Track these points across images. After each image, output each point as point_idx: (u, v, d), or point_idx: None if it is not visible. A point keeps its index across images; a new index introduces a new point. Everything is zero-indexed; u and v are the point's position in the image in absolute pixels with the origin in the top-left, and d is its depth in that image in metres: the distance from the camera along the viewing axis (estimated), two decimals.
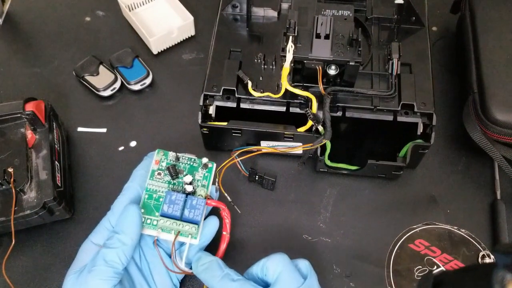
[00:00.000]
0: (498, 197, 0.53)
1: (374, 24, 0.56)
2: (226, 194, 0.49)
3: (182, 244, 0.46)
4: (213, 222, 0.46)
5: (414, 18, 0.55)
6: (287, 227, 0.52)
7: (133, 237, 0.41)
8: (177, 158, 0.47)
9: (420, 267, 0.48)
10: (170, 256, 0.46)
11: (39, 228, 0.50)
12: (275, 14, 0.57)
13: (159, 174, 0.46)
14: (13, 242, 0.45)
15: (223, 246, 0.46)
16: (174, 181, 0.46)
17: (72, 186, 0.53)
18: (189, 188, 0.45)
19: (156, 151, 0.47)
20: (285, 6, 0.57)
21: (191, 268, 0.44)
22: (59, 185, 0.49)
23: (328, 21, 0.47)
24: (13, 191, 0.45)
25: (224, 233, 0.46)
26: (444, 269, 0.48)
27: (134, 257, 0.44)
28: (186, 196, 0.44)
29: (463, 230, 0.50)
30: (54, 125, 0.52)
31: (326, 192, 0.54)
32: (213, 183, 0.47)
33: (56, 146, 0.51)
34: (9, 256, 0.45)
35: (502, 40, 0.53)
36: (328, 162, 0.52)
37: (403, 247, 0.49)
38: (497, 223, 0.51)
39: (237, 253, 0.50)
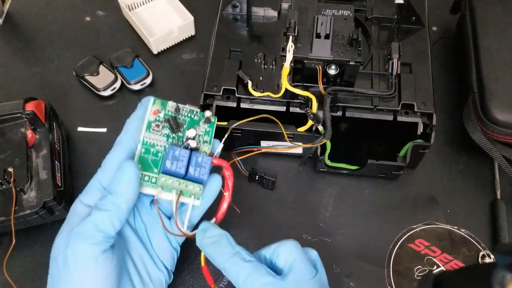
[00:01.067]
0: (498, 197, 0.53)
1: (374, 24, 0.56)
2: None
3: (181, 204, 0.43)
4: (216, 181, 0.42)
5: (414, 18, 0.55)
6: (287, 227, 0.52)
7: (129, 200, 0.37)
8: (177, 110, 0.42)
9: (420, 267, 0.48)
10: (169, 218, 0.43)
11: (39, 227, 0.50)
12: (275, 14, 0.57)
13: (157, 126, 0.41)
14: (13, 242, 0.45)
15: (224, 206, 0.42)
16: (174, 135, 0.42)
17: (72, 186, 0.53)
18: (193, 144, 0.41)
19: (152, 99, 0.42)
20: (285, 6, 0.57)
21: (192, 231, 0.41)
22: (59, 184, 0.49)
23: (328, 21, 0.47)
24: (13, 190, 0.45)
25: (225, 193, 0.42)
26: (444, 269, 0.48)
27: (128, 219, 0.40)
28: (191, 152, 0.40)
29: (463, 230, 0.50)
30: (54, 125, 0.52)
31: (326, 192, 0.54)
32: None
33: (56, 146, 0.51)
34: (9, 256, 0.45)
35: (502, 40, 0.53)
36: (328, 162, 0.52)
37: (403, 247, 0.49)
38: (497, 223, 0.51)
39: None
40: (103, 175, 0.40)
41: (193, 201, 0.41)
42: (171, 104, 0.42)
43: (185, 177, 0.40)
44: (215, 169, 0.43)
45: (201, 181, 0.40)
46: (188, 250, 0.47)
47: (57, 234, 0.39)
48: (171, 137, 0.42)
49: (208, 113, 0.43)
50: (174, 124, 0.41)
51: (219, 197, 0.43)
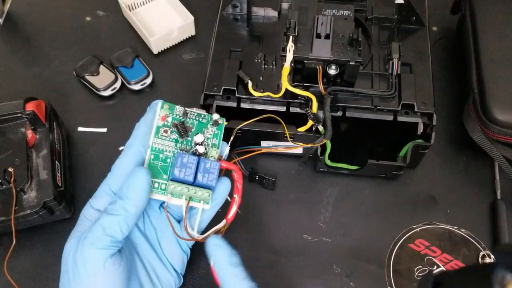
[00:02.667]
0: (498, 197, 0.53)
1: (374, 24, 0.56)
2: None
3: (191, 208, 0.43)
4: (225, 184, 0.42)
5: (414, 18, 0.55)
6: (287, 227, 0.52)
7: (138, 205, 0.37)
8: (185, 114, 0.42)
9: (420, 267, 0.48)
10: (178, 221, 0.44)
11: (39, 227, 0.50)
12: (275, 14, 0.57)
13: (165, 131, 0.41)
14: (14, 242, 0.45)
15: (233, 208, 0.42)
16: (182, 140, 0.42)
17: (73, 186, 0.53)
18: (200, 149, 0.41)
19: (160, 103, 0.42)
20: (285, 6, 0.57)
21: (202, 233, 0.42)
22: (60, 184, 0.49)
23: (328, 21, 0.47)
24: (14, 190, 0.45)
25: (235, 196, 0.42)
26: (444, 269, 0.48)
27: (137, 223, 0.41)
28: (199, 158, 0.40)
29: (463, 230, 0.50)
30: (55, 125, 0.52)
31: (326, 192, 0.54)
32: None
33: (56, 146, 0.51)
34: (9, 255, 0.45)
35: (503, 40, 0.53)
36: (328, 162, 0.52)
37: (403, 247, 0.49)
38: (497, 223, 0.51)
39: None
40: (112, 180, 0.40)
41: (202, 205, 0.41)
42: (178, 109, 0.42)
43: (193, 183, 0.40)
44: (224, 172, 0.43)
45: (209, 187, 0.40)
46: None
47: (68, 238, 0.40)
48: (179, 141, 0.42)
49: (216, 116, 0.43)
50: (182, 130, 0.41)
51: (228, 199, 0.43)
